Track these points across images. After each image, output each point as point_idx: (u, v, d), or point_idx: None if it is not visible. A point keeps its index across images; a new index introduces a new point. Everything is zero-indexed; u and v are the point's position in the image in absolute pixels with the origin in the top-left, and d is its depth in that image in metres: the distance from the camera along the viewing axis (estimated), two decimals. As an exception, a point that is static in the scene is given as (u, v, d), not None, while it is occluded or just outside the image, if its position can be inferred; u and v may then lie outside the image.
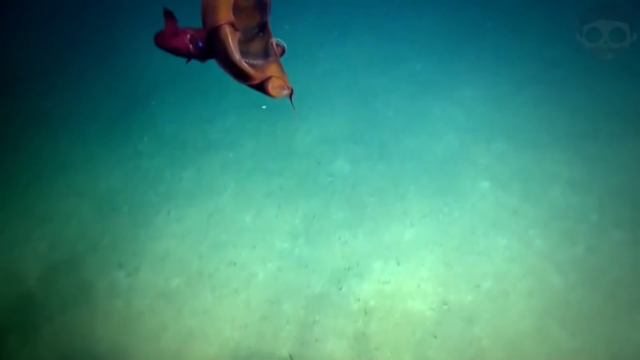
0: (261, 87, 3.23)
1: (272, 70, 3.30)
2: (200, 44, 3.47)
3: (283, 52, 3.47)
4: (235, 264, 5.77)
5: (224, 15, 3.10)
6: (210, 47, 3.29)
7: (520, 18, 8.10)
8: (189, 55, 3.61)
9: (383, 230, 5.95)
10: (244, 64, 3.14)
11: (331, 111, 7.32)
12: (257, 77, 3.19)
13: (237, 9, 3.21)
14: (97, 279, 5.77)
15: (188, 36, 3.54)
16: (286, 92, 3.29)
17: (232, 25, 3.12)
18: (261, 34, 3.39)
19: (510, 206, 5.96)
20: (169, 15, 3.70)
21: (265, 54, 3.39)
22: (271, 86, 3.22)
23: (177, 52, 3.64)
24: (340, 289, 5.44)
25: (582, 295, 5.13)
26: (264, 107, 7.21)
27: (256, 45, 3.39)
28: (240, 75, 3.20)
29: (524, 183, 6.17)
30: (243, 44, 3.26)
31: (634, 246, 5.41)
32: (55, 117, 7.36)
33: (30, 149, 7.12)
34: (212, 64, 7.52)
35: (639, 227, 5.57)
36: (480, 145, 6.67)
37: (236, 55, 3.13)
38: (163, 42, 3.70)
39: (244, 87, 7.32)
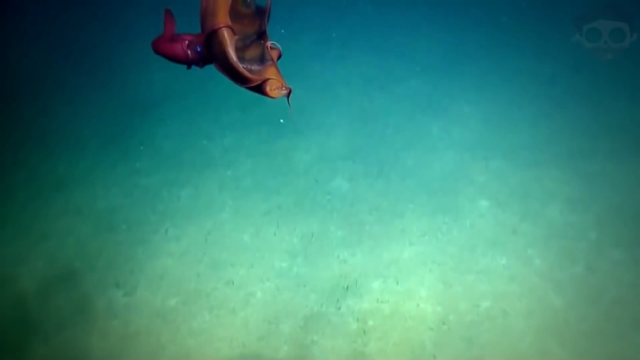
0: (260, 89, 3.26)
1: (269, 72, 3.32)
2: (199, 49, 3.46)
3: (279, 55, 3.49)
4: (233, 283, 5.74)
5: (222, 19, 3.13)
6: (208, 51, 3.31)
7: (517, 36, 8.16)
8: (187, 61, 3.60)
9: (382, 248, 5.92)
10: (241, 67, 3.17)
11: (330, 129, 7.33)
12: (255, 79, 3.21)
13: (237, 16, 3.24)
14: (94, 298, 5.72)
15: (186, 42, 3.54)
16: (284, 92, 3.30)
17: (230, 29, 3.15)
18: (259, 41, 3.40)
19: (509, 225, 5.95)
20: (169, 19, 3.74)
21: (262, 59, 3.41)
22: (269, 88, 3.24)
23: (175, 57, 3.64)
24: (339, 308, 5.41)
25: (582, 315, 5.09)
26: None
27: (253, 52, 3.40)
28: (239, 78, 3.23)
29: (523, 201, 6.17)
30: (240, 50, 3.28)
31: (633, 265, 5.39)
32: (53, 135, 7.35)
33: (28, 167, 7.10)
34: (211, 80, 7.55)
35: (638, 246, 5.55)
36: (479, 163, 6.67)
37: (234, 58, 3.16)
38: (161, 47, 3.70)
39: (242, 105, 7.36)
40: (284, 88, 3.30)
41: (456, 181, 6.53)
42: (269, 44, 3.37)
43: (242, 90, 7.91)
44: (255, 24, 3.39)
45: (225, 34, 3.13)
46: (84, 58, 7.96)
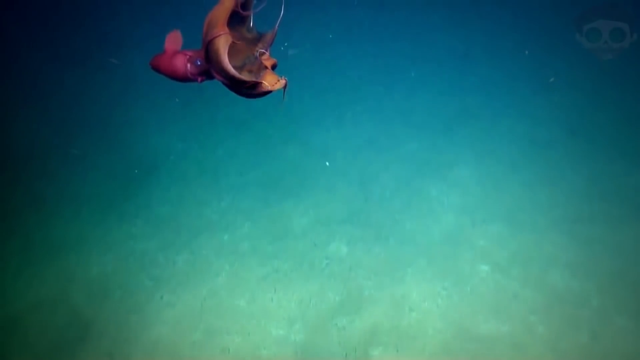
0: (257, 89, 3.33)
1: (265, 76, 3.36)
2: (199, 62, 3.53)
3: (274, 65, 3.54)
4: (229, 351, 5.60)
5: (220, 28, 3.23)
6: (207, 61, 3.38)
7: (513, 101, 8.25)
8: (185, 77, 3.66)
9: (381, 315, 5.82)
10: (233, 69, 3.21)
11: (327, 192, 7.32)
12: (251, 79, 3.28)
13: (238, 38, 3.36)
14: (86, 369, 5.57)
15: (187, 56, 3.62)
16: (282, 82, 3.34)
17: (227, 35, 3.25)
18: (256, 60, 3.45)
19: (511, 290, 5.87)
20: (173, 38, 3.80)
21: (258, 70, 3.45)
22: (266, 83, 3.30)
23: (174, 73, 3.71)
24: (338, 378, 5.27)
25: (589, 386, 4.97)
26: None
27: (250, 68, 3.45)
28: (236, 82, 3.28)
29: (524, 266, 6.10)
30: (239, 68, 3.33)
31: (638, 333, 5.28)
32: (49, 200, 7.30)
33: (23, 233, 7.01)
34: (207, 143, 7.56)
35: (642, 313, 5.47)
36: (478, 227, 6.63)
37: (225, 60, 3.22)
38: (161, 65, 3.77)
39: (240, 168, 7.33)
40: (281, 79, 3.34)
41: (456, 245, 6.47)
42: (266, 56, 3.43)
43: (240, 153, 7.97)
44: (255, 47, 3.47)
45: (222, 39, 3.22)
46: (80, 121, 8.00)
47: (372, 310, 5.87)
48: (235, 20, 3.38)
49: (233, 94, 3.50)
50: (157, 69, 3.84)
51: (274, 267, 6.45)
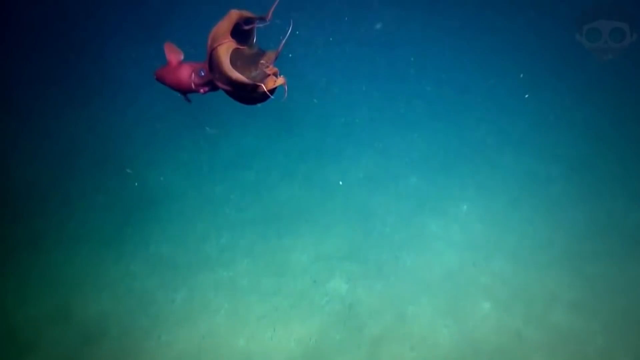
0: (258, 92, 3.39)
1: (266, 80, 3.44)
2: (203, 73, 3.66)
3: (275, 74, 3.59)
4: (227, 393, 5.51)
5: (223, 38, 3.36)
6: (211, 70, 3.49)
7: (512, 136, 8.24)
8: (189, 89, 3.81)
9: (382, 354, 5.76)
10: (233, 70, 3.30)
11: (327, 228, 7.25)
12: (251, 81, 3.34)
13: (240, 57, 3.45)
14: (81, 412, 5.46)
15: (192, 67, 3.76)
16: (281, 79, 3.42)
17: (229, 43, 3.36)
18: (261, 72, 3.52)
19: (513, 328, 5.79)
20: (171, 50, 3.92)
21: (261, 80, 3.49)
22: (267, 83, 3.38)
23: (178, 85, 3.85)
24: (339, 420, 5.16)
25: None
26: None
27: (253, 76, 3.51)
28: (238, 86, 3.36)
29: (526, 304, 6.03)
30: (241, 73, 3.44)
31: (645, 373, 5.21)
32: (48, 238, 7.22)
33: (19, 271, 6.91)
34: (206, 180, 7.53)
35: (648, 352, 5.39)
36: (480, 264, 6.57)
37: (227, 63, 3.32)
38: (166, 77, 3.92)
39: (239, 204, 7.28)
40: (279, 78, 3.42)
41: (457, 282, 6.41)
42: (269, 67, 3.48)
43: (238, 188, 7.92)
44: (257, 63, 3.53)
45: (224, 46, 3.33)
46: (79, 159, 7.99)
47: (373, 349, 5.79)
48: (239, 37, 3.47)
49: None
50: (162, 80, 3.99)
51: (274, 304, 6.37)
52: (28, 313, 6.47)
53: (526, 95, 8.59)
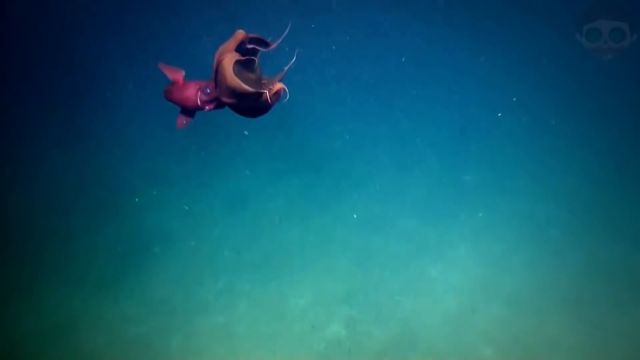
0: (260, 101, 3.56)
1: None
2: (208, 90, 3.90)
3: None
4: None
5: (228, 53, 3.53)
6: (216, 86, 3.65)
7: (511, 178, 8.24)
8: (195, 105, 4.03)
9: (382, 402, 5.62)
10: (237, 79, 3.45)
11: (325, 272, 7.18)
12: (255, 89, 3.48)
13: (246, 79, 3.57)
14: None
15: (198, 85, 3.99)
16: (280, 84, 3.60)
17: (234, 54, 3.52)
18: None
19: (515, 376, 5.70)
20: (169, 69, 4.18)
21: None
22: (270, 93, 3.53)
23: (185, 102, 4.08)
24: None
25: None
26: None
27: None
28: (242, 96, 3.51)
29: (527, 350, 5.95)
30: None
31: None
32: (42, 282, 7.13)
33: (13, 317, 6.81)
34: (203, 223, 7.48)
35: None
36: (480, 309, 6.49)
37: (232, 74, 3.45)
38: (174, 95, 4.14)
39: (236, 246, 7.24)
40: (278, 83, 3.60)
41: (457, 327, 6.33)
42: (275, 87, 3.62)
43: (235, 230, 7.85)
44: (258, 83, 3.68)
45: (228, 57, 3.49)
46: (75, 202, 7.95)
47: (373, 397, 5.68)
48: (243, 65, 3.64)
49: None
50: (169, 98, 4.20)
51: (271, 350, 6.27)
52: (22, 357, 6.35)
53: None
